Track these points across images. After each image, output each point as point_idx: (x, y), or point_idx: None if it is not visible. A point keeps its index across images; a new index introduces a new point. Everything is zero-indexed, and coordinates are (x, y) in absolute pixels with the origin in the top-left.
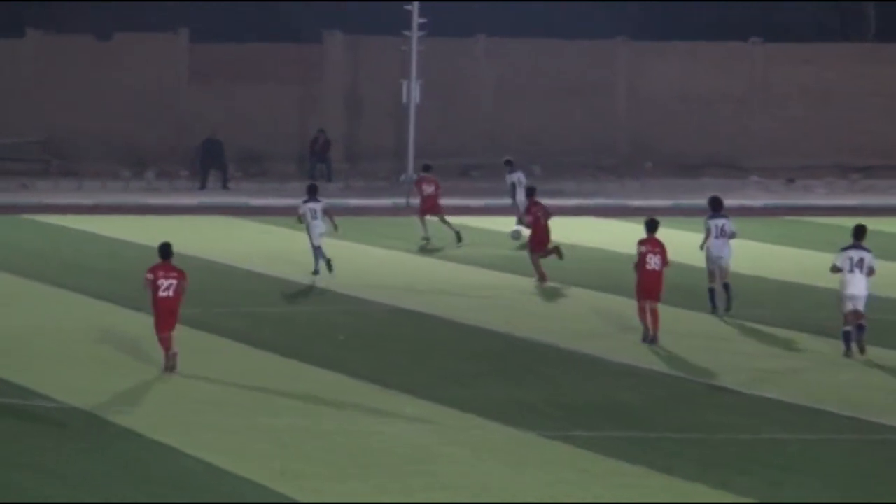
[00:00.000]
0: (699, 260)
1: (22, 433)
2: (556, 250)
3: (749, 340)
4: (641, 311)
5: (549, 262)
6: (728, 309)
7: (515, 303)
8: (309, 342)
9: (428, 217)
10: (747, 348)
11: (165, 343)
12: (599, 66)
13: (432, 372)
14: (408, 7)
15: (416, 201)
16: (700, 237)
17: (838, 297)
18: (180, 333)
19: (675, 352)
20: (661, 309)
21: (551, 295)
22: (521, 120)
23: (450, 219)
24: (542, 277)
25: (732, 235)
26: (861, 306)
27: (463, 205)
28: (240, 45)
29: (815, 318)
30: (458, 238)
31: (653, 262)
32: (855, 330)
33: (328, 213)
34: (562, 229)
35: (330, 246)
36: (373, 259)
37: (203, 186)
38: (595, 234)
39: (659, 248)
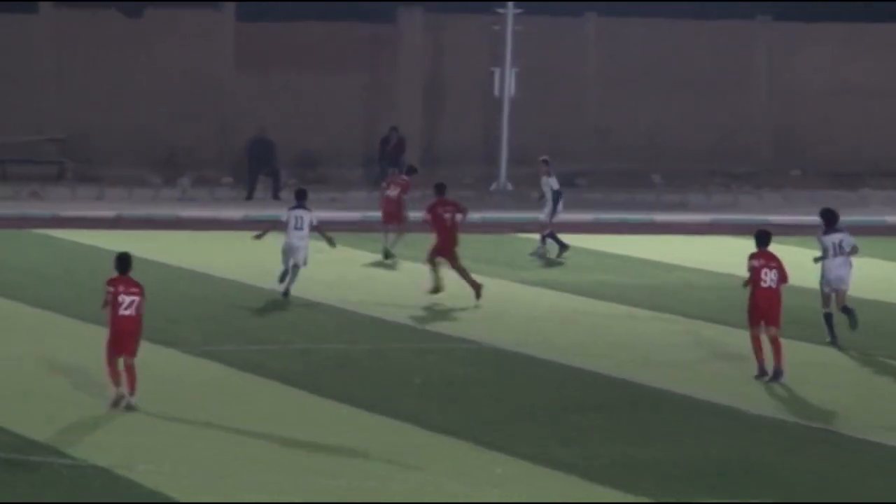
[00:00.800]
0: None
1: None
2: (474, 285)
3: (887, 379)
4: (755, 340)
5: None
6: (854, 328)
7: (623, 339)
8: (376, 387)
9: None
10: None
11: (129, 371)
12: (734, 52)
13: (526, 424)
14: None
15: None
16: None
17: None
18: (218, 375)
19: (807, 395)
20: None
21: (667, 330)
22: (636, 117)
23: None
24: (436, 289)
25: (853, 252)
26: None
27: (567, 220)
28: (296, 25)
29: None
30: (387, 255)
31: (769, 278)
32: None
33: (319, 228)
34: (685, 250)
35: (400, 271)
36: (453, 285)
37: (250, 196)
38: (725, 256)
39: (775, 262)
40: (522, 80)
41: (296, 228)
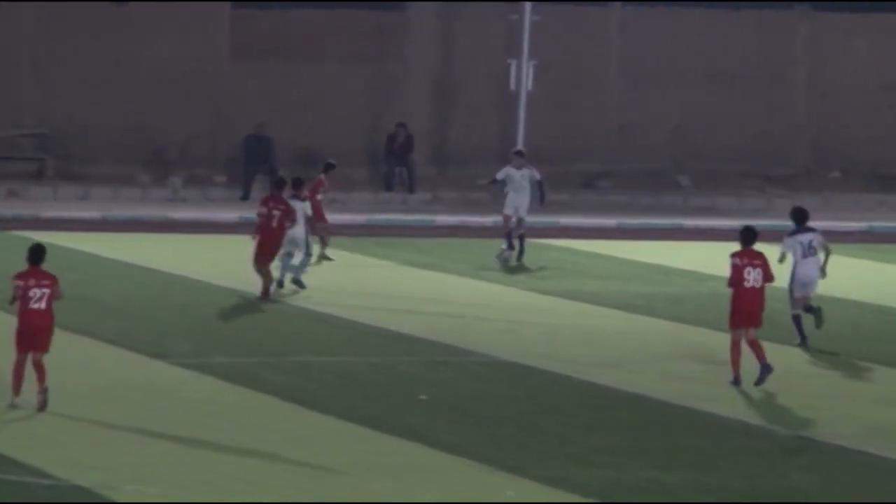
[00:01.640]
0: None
1: None
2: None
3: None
4: (735, 345)
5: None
6: (819, 326)
7: (647, 354)
8: (380, 402)
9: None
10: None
11: (38, 368)
12: (770, 44)
13: (541, 443)
14: None
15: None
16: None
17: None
18: (211, 389)
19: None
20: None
21: (695, 344)
22: (663, 114)
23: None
24: (264, 293)
25: (826, 252)
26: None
27: (589, 224)
28: (296, 11)
29: None
30: (322, 258)
31: (752, 277)
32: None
33: (312, 221)
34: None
35: (409, 278)
36: (465, 294)
37: (246, 196)
38: None
39: (759, 260)
40: (540, 74)
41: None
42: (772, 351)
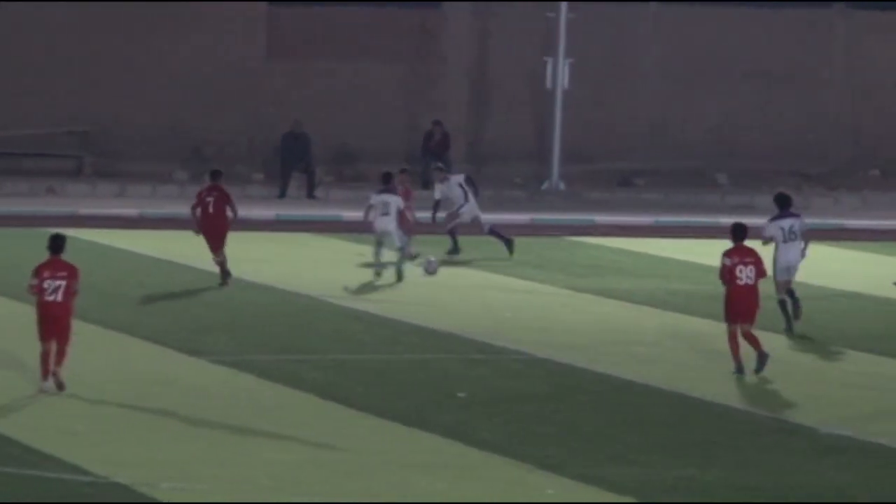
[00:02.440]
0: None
1: None
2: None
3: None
4: (732, 336)
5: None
6: (797, 318)
7: (684, 352)
8: (417, 400)
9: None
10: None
11: (59, 353)
12: (808, 41)
13: (578, 441)
14: None
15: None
16: None
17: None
18: (248, 387)
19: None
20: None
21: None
22: (700, 112)
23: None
24: (223, 279)
25: (806, 237)
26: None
27: (625, 222)
28: (333, 9)
29: None
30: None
31: (744, 274)
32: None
33: (404, 214)
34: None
35: (444, 275)
36: (503, 292)
37: (283, 194)
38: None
39: (751, 257)
40: (577, 72)
41: (384, 214)
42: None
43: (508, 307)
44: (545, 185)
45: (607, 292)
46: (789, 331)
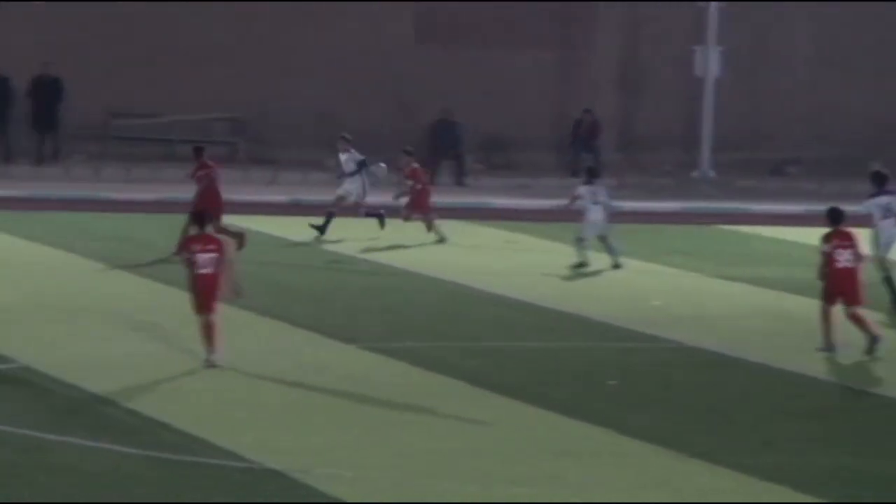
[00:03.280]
0: None
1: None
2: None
3: None
4: (825, 315)
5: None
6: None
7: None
8: (568, 388)
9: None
10: None
11: (209, 328)
12: None
13: (731, 430)
14: None
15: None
16: None
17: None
18: (401, 374)
19: None
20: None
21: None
22: (854, 100)
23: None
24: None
25: None
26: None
27: (776, 211)
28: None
29: None
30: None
31: (843, 257)
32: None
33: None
34: None
35: (595, 264)
36: (652, 280)
37: (431, 182)
38: None
39: (848, 240)
40: (727, 60)
41: (594, 203)
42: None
43: (659, 295)
44: (695, 174)
45: (759, 281)
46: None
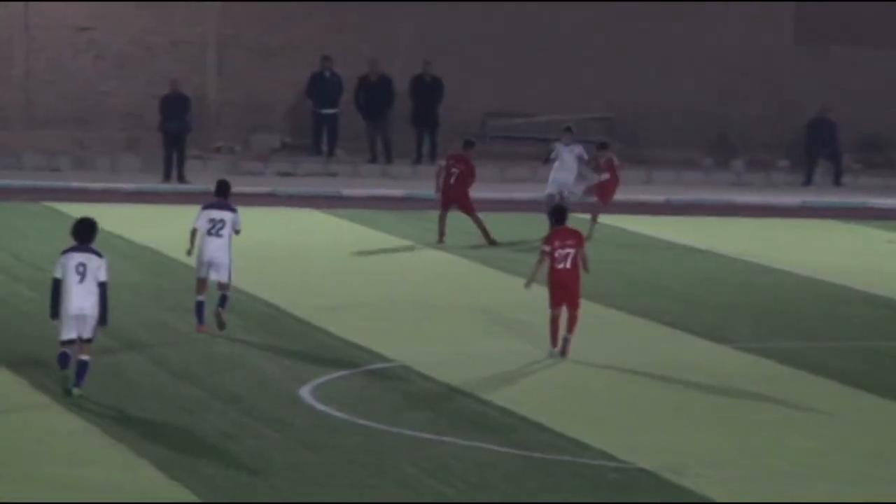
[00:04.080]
0: None
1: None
2: None
3: None
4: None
5: None
6: None
7: None
8: None
9: None
10: None
11: (571, 320)
12: None
13: None
14: None
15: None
16: None
17: None
18: (771, 373)
19: None
20: None
21: None
22: None
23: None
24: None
25: None
26: None
27: None
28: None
29: None
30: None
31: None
32: None
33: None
34: None
35: None
36: None
37: (808, 181)
38: None
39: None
40: None
41: None
42: None
43: None
44: None
45: None
46: None
